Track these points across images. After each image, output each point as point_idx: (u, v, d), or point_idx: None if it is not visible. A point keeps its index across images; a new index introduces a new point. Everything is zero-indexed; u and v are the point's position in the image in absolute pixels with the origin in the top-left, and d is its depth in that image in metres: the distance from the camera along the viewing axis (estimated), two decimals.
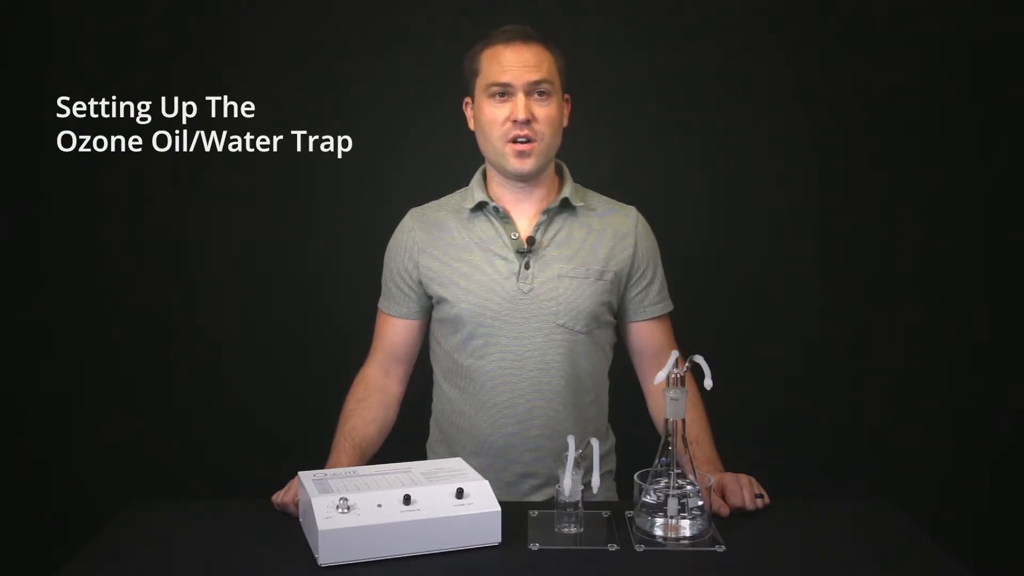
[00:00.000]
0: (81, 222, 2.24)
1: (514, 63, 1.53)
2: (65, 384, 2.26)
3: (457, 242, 1.62)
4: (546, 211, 1.61)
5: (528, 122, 1.53)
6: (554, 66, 1.57)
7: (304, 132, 2.26)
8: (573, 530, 1.32)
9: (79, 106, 2.20)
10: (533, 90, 1.54)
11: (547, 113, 1.55)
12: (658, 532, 1.30)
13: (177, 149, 2.24)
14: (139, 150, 2.23)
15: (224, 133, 2.24)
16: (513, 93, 1.54)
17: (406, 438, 1.72)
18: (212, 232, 2.26)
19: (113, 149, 2.22)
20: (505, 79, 1.53)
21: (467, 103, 1.64)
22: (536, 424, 1.59)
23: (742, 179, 2.28)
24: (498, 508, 1.28)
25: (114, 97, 2.20)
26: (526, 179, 1.59)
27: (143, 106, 2.21)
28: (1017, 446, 2.24)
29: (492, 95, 1.55)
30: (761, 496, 1.42)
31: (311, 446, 1.59)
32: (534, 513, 1.40)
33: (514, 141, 1.54)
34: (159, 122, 2.22)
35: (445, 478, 1.32)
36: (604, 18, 2.22)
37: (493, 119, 1.55)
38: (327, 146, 2.27)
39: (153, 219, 2.25)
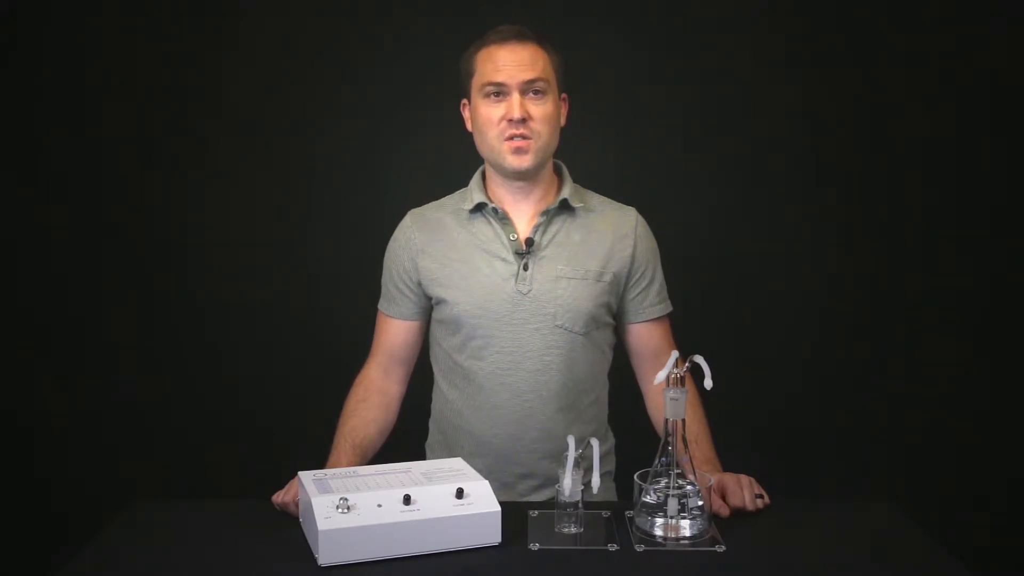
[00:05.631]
0: (80, 222, 2.24)
1: (509, 62, 1.53)
2: (65, 384, 2.26)
3: (456, 243, 1.62)
4: (545, 212, 1.60)
5: (524, 120, 1.53)
6: (549, 65, 1.57)
7: (304, 132, 2.26)
8: (573, 530, 1.32)
9: (77, 105, 2.21)
10: (528, 89, 1.54)
11: (543, 111, 1.55)
12: (658, 532, 1.30)
13: (176, 149, 2.24)
14: (138, 150, 2.24)
15: (223, 133, 2.24)
16: (508, 92, 1.54)
17: (406, 438, 1.72)
18: (212, 232, 2.27)
19: (111, 149, 2.23)
20: (500, 78, 1.53)
21: (464, 105, 1.64)
22: (534, 425, 1.59)
23: (742, 179, 2.28)
24: (498, 508, 1.28)
25: (112, 97, 2.21)
26: (524, 177, 1.59)
27: (141, 106, 2.22)
28: (1018, 446, 2.24)
29: (487, 95, 1.55)
30: (761, 496, 1.42)
31: (311, 446, 1.59)
32: (534, 513, 1.40)
33: (510, 139, 1.54)
34: (158, 122, 2.22)
35: (445, 478, 1.32)
36: (604, 18, 2.22)
37: (489, 119, 1.55)
38: (327, 146, 2.27)
39: (152, 219, 2.25)
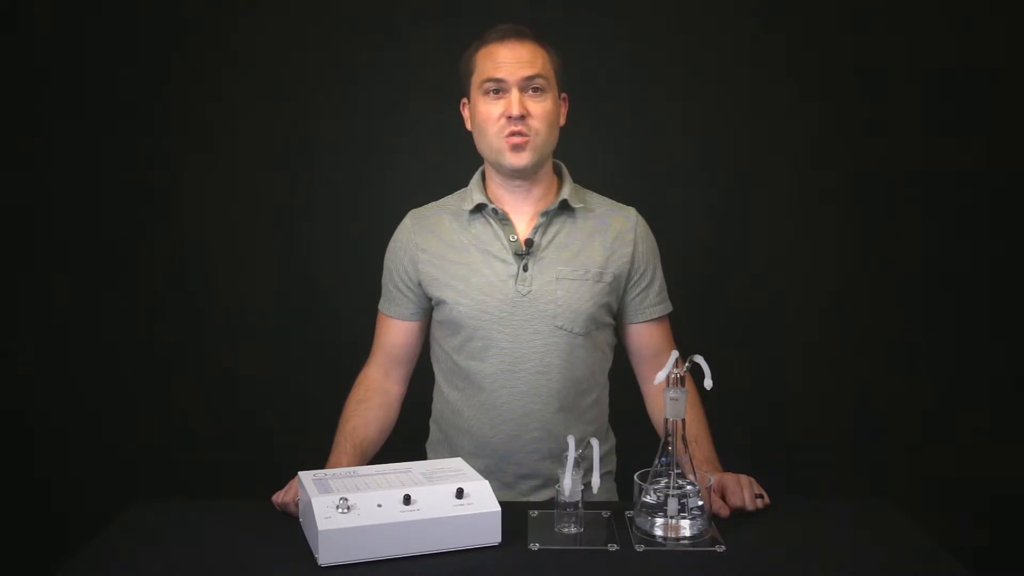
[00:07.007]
0: (80, 222, 2.24)
1: (508, 59, 1.53)
2: (65, 384, 2.26)
3: (456, 244, 1.62)
4: (544, 213, 1.60)
5: (523, 117, 1.53)
6: (548, 63, 1.57)
7: (303, 133, 2.26)
8: (573, 530, 1.32)
9: (77, 106, 2.21)
10: (527, 86, 1.54)
11: (542, 109, 1.55)
12: (658, 532, 1.30)
13: (176, 148, 2.24)
14: (137, 150, 2.23)
15: (223, 133, 2.24)
16: (507, 89, 1.54)
17: (406, 438, 1.72)
18: (212, 233, 2.27)
19: (112, 148, 2.23)
20: (499, 75, 1.53)
21: (464, 104, 1.64)
22: (534, 426, 1.59)
23: (742, 179, 2.28)
24: (498, 508, 1.28)
25: (113, 97, 2.21)
26: (523, 175, 1.59)
27: (141, 108, 2.21)
28: (1017, 446, 2.23)
29: (487, 92, 1.55)
30: (761, 496, 1.42)
31: (311, 446, 1.59)
32: (534, 513, 1.40)
33: (510, 136, 1.54)
34: (158, 122, 2.22)
35: (445, 478, 1.32)
36: (603, 18, 2.22)
37: (488, 116, 1.55)
38: (327, 146, 2.27)
39: (152, 220, 2.25)
